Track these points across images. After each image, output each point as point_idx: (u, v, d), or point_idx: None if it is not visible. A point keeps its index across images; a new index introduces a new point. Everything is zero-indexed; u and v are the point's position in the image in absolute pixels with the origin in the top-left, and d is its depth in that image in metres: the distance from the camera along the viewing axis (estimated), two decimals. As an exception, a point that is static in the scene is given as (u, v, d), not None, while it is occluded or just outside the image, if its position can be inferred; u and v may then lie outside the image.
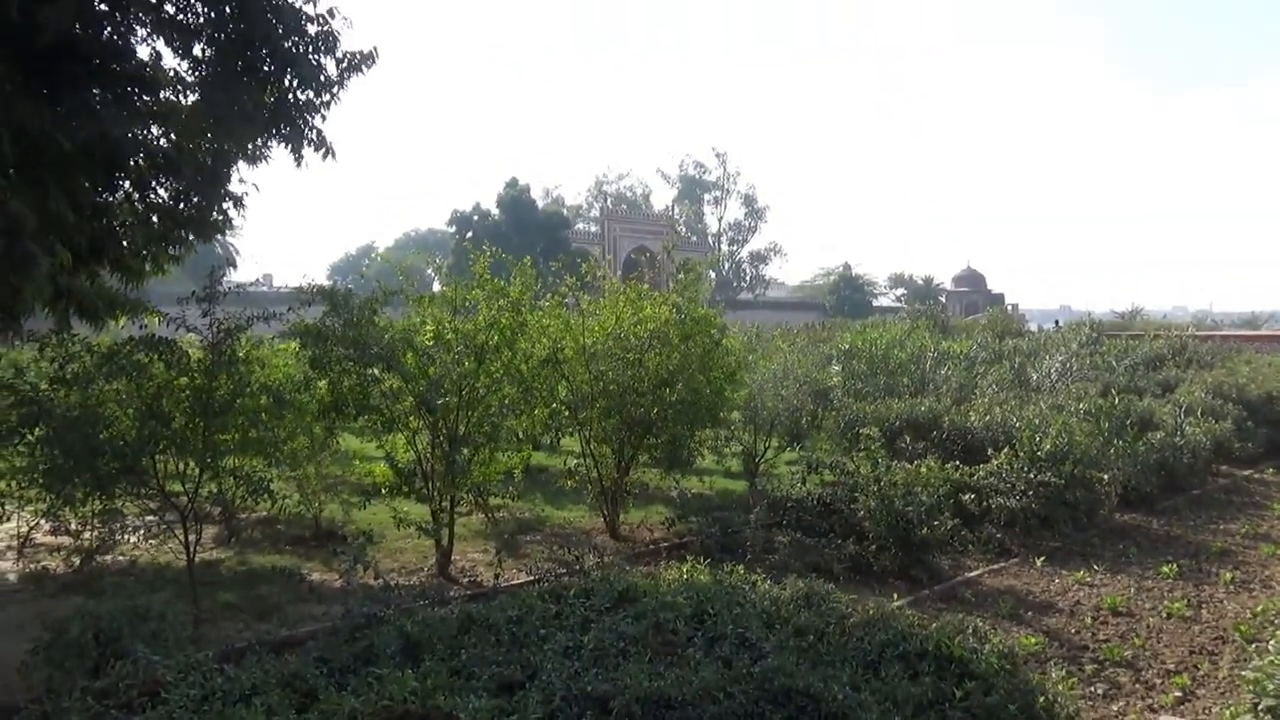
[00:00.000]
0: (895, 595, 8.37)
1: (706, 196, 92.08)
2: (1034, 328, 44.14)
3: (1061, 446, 11.43)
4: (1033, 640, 7.47)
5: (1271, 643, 5.44)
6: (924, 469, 10.99)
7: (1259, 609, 8.37)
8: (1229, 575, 9.50)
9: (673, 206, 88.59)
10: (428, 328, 9.58)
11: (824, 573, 8.85)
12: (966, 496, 11.18)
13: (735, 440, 13.94)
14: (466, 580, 9.10)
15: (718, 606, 6.09)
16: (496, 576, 8.64)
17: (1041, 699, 5.28)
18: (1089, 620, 8.20)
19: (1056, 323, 45.83)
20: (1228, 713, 5.18)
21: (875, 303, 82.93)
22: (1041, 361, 20.94)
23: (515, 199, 66.54)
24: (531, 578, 8.54)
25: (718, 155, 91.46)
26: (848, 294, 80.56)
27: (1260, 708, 4.35)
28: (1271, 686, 4.37)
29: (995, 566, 9.83)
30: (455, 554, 9.60)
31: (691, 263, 14.61)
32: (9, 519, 8.20)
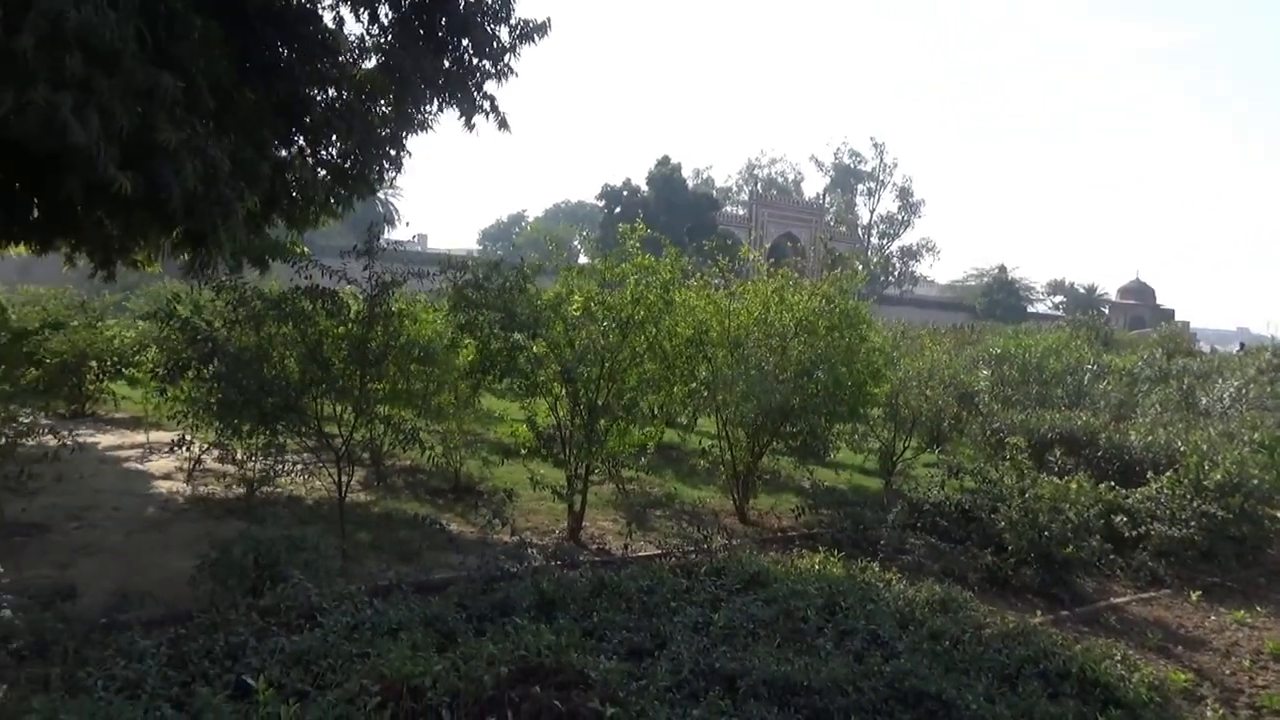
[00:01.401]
0: (1038, 612, 8.02)
1: (860, 186, 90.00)
2: (1205, 348, 41.26)
3: (1232, 477, 10.65)
4: (1182, 676, 7.01)
5: None
6: (1074, 485, 10.45)
7: None
8: None
9: (824, 195, 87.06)
10: (576, 299, 9.74)
11: (958, 580, 8.60)
12: (1119, 519, 10.58)
13: (873, 436, 13.63)
14: (595, 547, 9.25)
15: (850, 600, 5.98)
16: (626, 546, 8.75)
17: (1193, 738, 4.96)
18: (1246, 663, 7.62)
19: (1241, 345, 42.37)
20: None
21: (1030, 309, 79.35)
22: (1214, 385, 19.55)
23: (666, 177, 66.85)
24: (659, 551, 8.60)
25: (875, 145, 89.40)
26: (1000, 297, 77.33)
27: None
28: None
29: (1145, 595, 9.28)
30: (586, 520, 9.78)
31: (849, 258, 14.36)
32: (185, 446, 8.85)
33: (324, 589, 5.17)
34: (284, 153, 8.97)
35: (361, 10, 8.46)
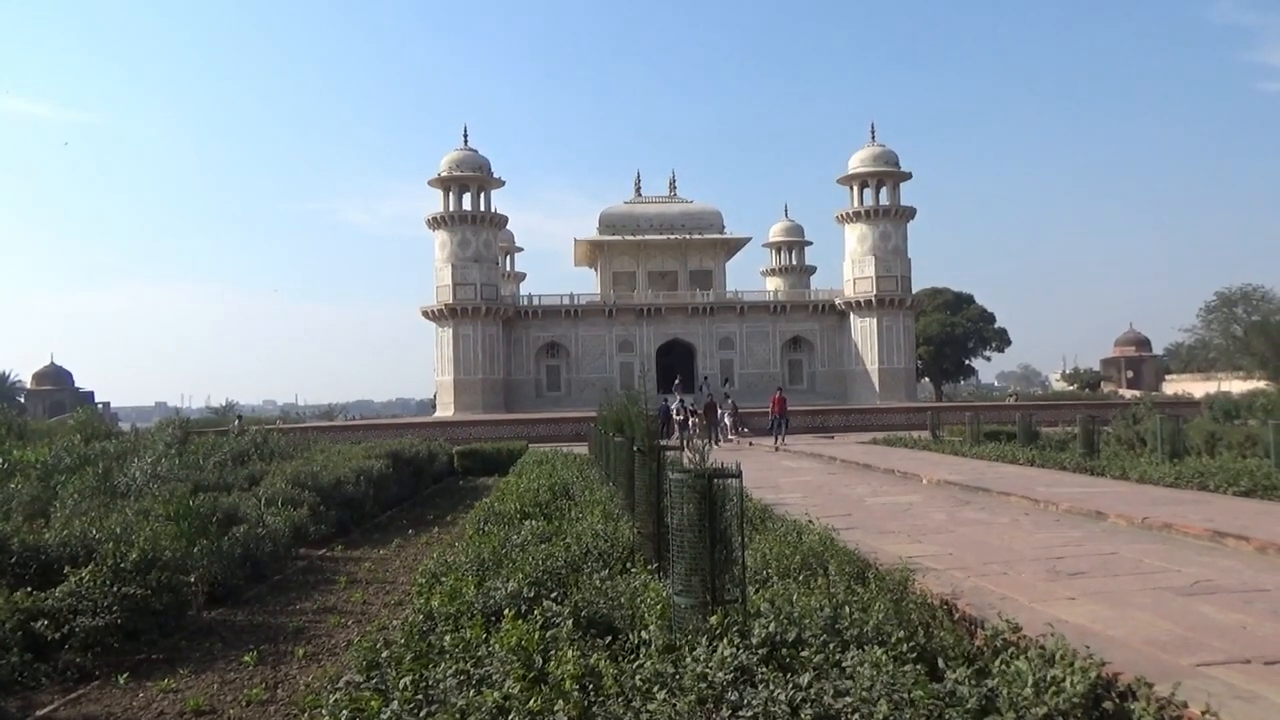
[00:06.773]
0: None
1: None
2: (127, 427, 42.48)
3: (148, 554, 11.25)
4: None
5: (325, 708, 6.22)
6: (-14, 602, 9.68)
7: (324, 677, 9.37)
8: (302, 650, 10.45)
9: None
10: None
11: None
12: (40, 624, 10.16)
13: None
14: None
15: None
16: None
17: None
18: (172, 730, 8.18)
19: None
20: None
21: (-72, 406, 69.59)
22: (130, 464, 20.29)
23: None
24: None
25: None
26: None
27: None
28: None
29: (74, 695, 9.12)
30: None
31: None
32: None
33: None
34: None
35: None
